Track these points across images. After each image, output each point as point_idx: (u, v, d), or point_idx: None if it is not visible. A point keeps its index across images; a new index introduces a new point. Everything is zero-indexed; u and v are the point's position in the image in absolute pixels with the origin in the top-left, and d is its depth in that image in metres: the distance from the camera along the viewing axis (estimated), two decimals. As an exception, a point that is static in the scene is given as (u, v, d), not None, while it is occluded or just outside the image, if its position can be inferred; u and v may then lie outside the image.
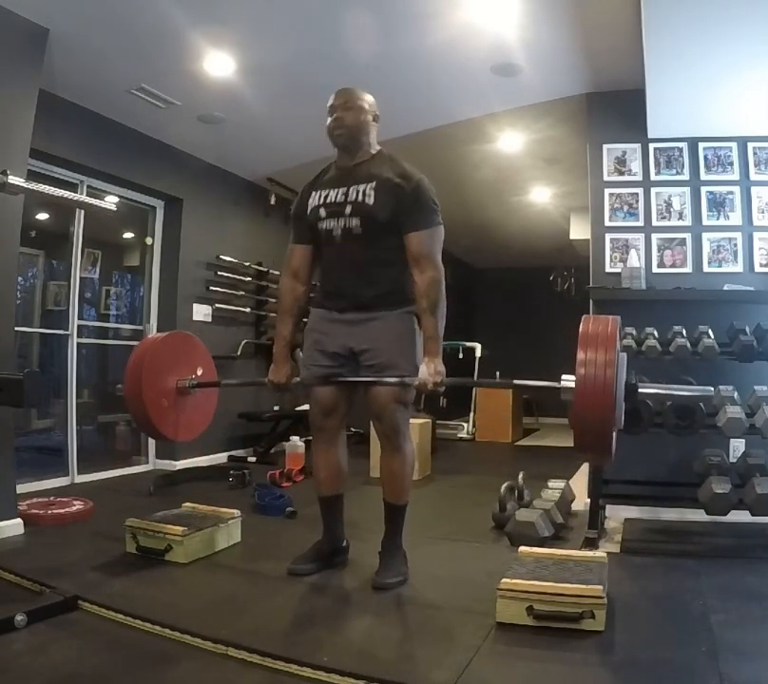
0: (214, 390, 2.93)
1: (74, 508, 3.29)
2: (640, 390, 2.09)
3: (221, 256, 5.41)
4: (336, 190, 2.41)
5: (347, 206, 2.36)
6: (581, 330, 1.99)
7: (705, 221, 3.70)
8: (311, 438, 2.59)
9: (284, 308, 2.57)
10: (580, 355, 1.93)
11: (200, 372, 2.83)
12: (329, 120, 2.43)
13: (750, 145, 3.67)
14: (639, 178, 3.81)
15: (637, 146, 3.82)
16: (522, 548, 2.42)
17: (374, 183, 2.35)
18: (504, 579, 2.05)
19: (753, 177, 3.66)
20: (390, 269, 2.39)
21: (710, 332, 3.15)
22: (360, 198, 2.35)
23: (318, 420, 2.49)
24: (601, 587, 1.99)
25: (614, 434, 1.99)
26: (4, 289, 2.99)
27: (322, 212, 2.42)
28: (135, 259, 5.22)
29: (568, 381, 1.97)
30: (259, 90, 3.94)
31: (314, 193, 2.48)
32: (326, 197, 2.43)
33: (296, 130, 4.57)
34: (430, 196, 2.39)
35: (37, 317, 4.38)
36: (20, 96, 3.06)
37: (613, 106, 3.85)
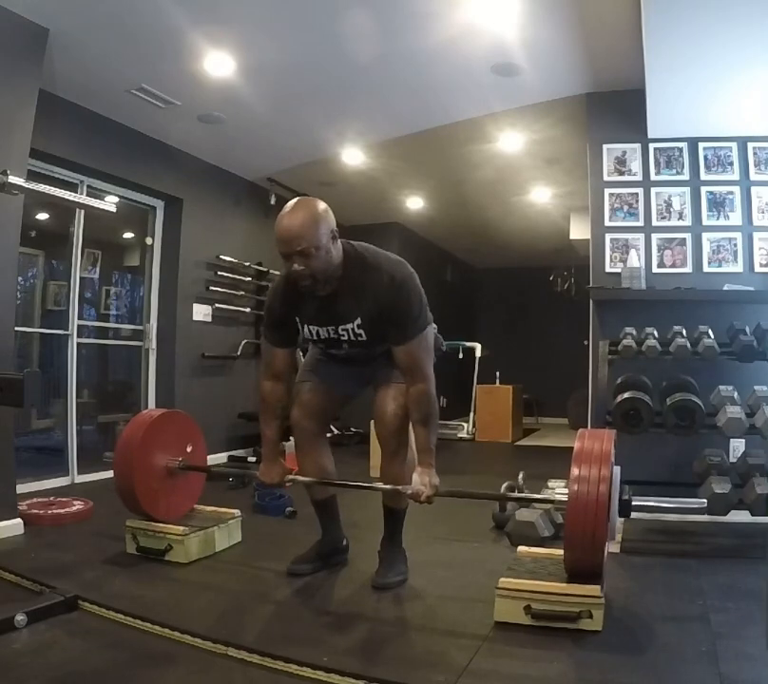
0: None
1: (74, 508, 3.29)
2: (634, 504, 2.14)
3: (221, 256, 5.41)
4: (323, 329, 2.30)
5: (343, 343, 2.32)
6: (576, 445, 2.05)
7: (705, 221, 3.70)
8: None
9: (268, 410, 2.44)
10: (574, 471, 1.98)
11: (189, 450, 2.85)
12: (287, 265, 2.13)
13: (750, 145, 3.67)
14: (639, 178, 3.81)
15: (637, 146, 3.82)
16: (521, 548, 2.42)
17: (359, 320, 2.23)
18: (502, 579, 2.05)
19: (753, 177, 3.66)
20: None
21: (710, 332, 3.15)
22: (353, 337, 2.28)
23: (298, 419, 2.48)
24: (599, 587, 1.99)
25: (606, 551, 2.04)
26: (4, 289, 2.99)
27: (321, 344, 2.39)
28: (135, 259, 5.22)
29: (562, 494, 2.04)
30: (259, 90, 3.94)
31: (299, 321, 2.32)
32: (318, 333, 2.32)
33: (296, 130, 4.58)
34: (412, 302, 2.20)
35: (37, 317, 4.38)
36: (20, 96, 3.06)
37: (613, 106, 3.85)
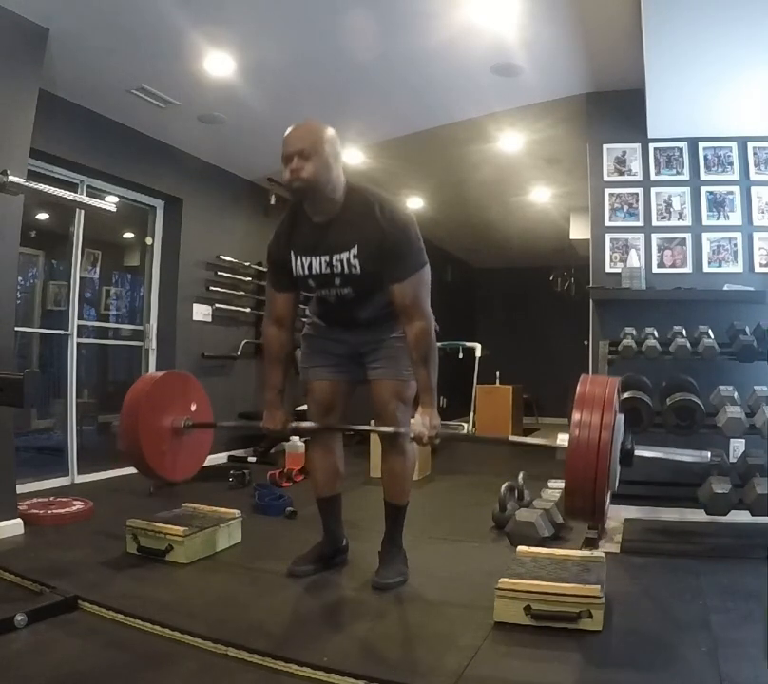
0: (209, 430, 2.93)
1: (74, 508, 3.29)
2: (636, 453, 2.08)
3: (221, 256, 5.41)
4: (317, 259, 2.26)
5: (335, 278, 2.26)
6: (578, 390, 1.96)
7: (705, 221, 3.71)
8: (309, 438, 2.59)
9: (272, 356, 2.46)
10: (575, 416, 1.89)
11: (194, 409, 2.82)
12: (284, 169, 2.17)
13: (750, 145, 3.68)
14: (639, 178, 3.81)
15: (637, 146, 3.82)
16: (520, 548, 2.42)
17: (356, 249, 2.20)
18: (502, 579, 2.05)
19: (753, 177, 3.67)
20: (382, 303, 2.33)
21: (710, 332, 3.16)
22: (346, 269, 2.23)
23: (317, 419, 2.50)
24: (598, 587, 1.99)
25: (608, 497, 1.98)
26: (4, 289, 2.99)
27: (311, 282, 2.31)
28: (135, 259, 5.22)
29: (564, 441, 1.95)
30: (259, 90, 3.94)
31: (293, 254, 2.31)
32: (310, 266, 2.28)
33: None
34: (411, 240, 2.23)
35: (37, 317, 4.38)
36: (20, 96, 3.06)
37: (613, 106, 3.85)
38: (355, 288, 2.28)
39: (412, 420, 2.26)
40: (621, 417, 1.98)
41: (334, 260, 2.24)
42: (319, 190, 2.17)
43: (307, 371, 2.53)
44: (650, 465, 3.34)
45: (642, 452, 2.11)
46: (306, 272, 2.30)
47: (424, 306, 2.25)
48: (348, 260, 2.22)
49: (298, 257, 2.30)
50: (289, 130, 2.19)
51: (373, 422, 2.52)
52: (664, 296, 3.54)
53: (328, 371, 2.47)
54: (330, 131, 2.21)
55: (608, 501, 2.02)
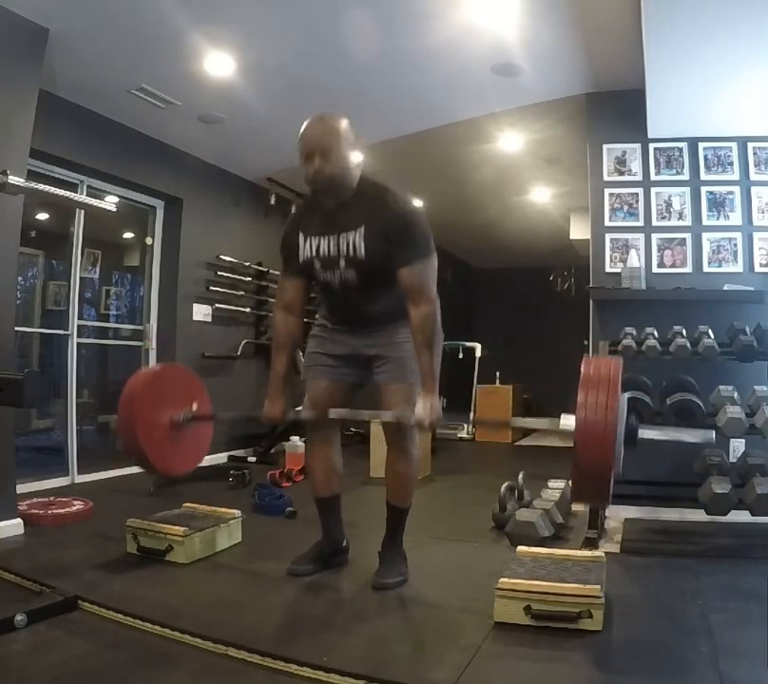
0: (208, 423, 2.92)
1: (74, 508, 3.29)
2: (640, 435, 2.09)
3: (221, 256, 5.41)
4: (325, 239, 2.30)
5: (340, 259, 2.28)
6: (582, 372, 1.97)
7: (705, 221, 3.70)
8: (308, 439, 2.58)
9: (279, 342, 2.47)
10: (580, 397, 1.91)
11: (194, 406, 2.80)
12: (306, 167, 2.23)
13: (750, 145, 3.67)
14: (639, 178, 3.81)
15: (637, 146, 3.82)
16: (520, 548, 2.42)
17: (363, 229, 2.24)
18: (502, 579, 2.05)
19: (753, 177, 3.67)
20: (389, 294, 2.33)
21: (710, 332, 3.16)
22: (351, 251, 2.25)
23: (313, 421, 2.49)
24: (598, 587, 1.99)
25: (613, 480, 1.98)
26: (4, 289, 2.99)
27: (317, 264, 2.34)
28: (135, 259, 5.22)
29: (568, 422, 1.96)
30: (259, 90, 3.94)
31: (302, 237, 2.36)
32: (318, 248, 2.32)
33: (296, 130, 4.55)
34: (420, 227, 2.28)
35: (37, 317, 4.38)
36: (20, 96, 3.06)
37: (613, 106, 3.85)
38: (358, 272, 2.29)
39: (417, 403, 2.24)
40: (624, 397, 1.99)
41: (340, 240, 2.28)
42: (339, 183, 2.25)
43: (308, 371, 2.52)
44: (650, 465, 3.35)
45: (645, 433, 2.11)
46: (313, 253, 2.34)
47: (430, 291, 2.27)
48: (354, 241, 2.26)
49: (308, 239, 2.35)
50: (306, 126, 2.26)
51: (381, 424, 2.52)
52: (664, 296, 3.54)
53: (328, 372, 2.47)
54: (345, 123, 2.30)
55: (613, 482, 2.01)
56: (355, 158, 2.31)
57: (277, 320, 2.50)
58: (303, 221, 2.39)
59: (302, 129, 2.25)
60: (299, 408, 2.50)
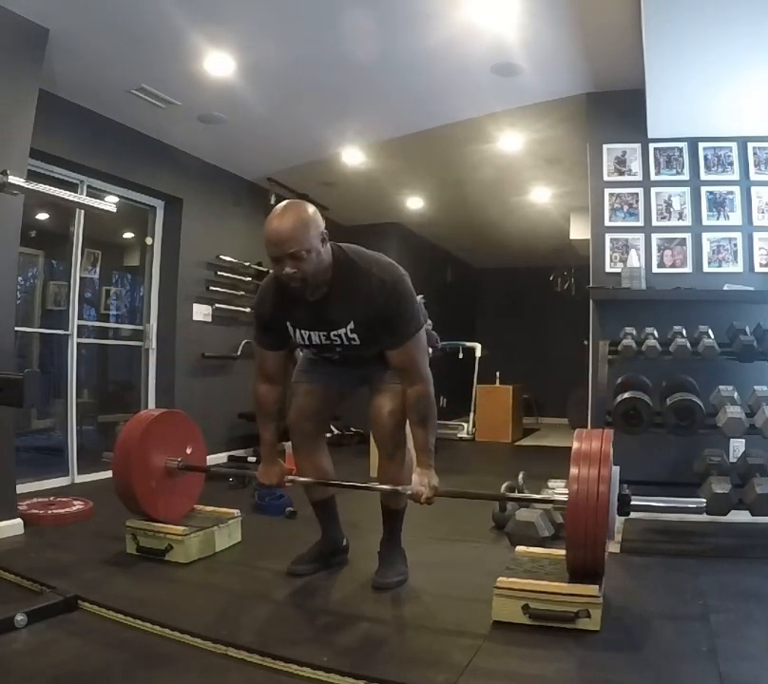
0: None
1: (74, 508, 3.29)
2: (632, 503, 2.14)
3: (221, 256, 5.41)
4: (316, 333, 2.26)
5: (336, 348, 2.28)
6: (574, 446, 2.06)
7: (705, 221, 3.70)
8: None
9: (264, 413, 2.43)
10: (573, 471, 1.99)
11: (189, 451, 2.84)
12: (276, 269, 2.11)
13: (750, 145, 3.67)
14: (639, 178, 3.81)
15: (637, 146, 3.82)
16: (519, 548, 2.42)
17: (352, 324, 2.19)
18: (500, 579, 2.05)
19: (753, 177, 3.66)
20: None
21: (710, 332, 3.15)
22: (346, 341, 2.24)
23: (295, 421, 2.49)
24: (596, 587, 1.99)
25: (607, 549, 2.04)
26: (4, 289, 2.99)
27: (313, 349, 2.37)
28: (135, 259, 5.22)
29: (561, 494, 2.05)
30: (259, 90, 3.94)
31: (291, 326, 2.28)
32: (310, 339, 2.28)
33: (296, 130, 4.58)
34: (405, 304, 2.18)
35: (37, 317, 4.38)
36: (20, 96, 3.06)
37: (613, 106, 3.85)
38: (357, 351, 2.30)
39: (413, 476, 2.26)
40: (616, 469, 2.06)
41: (332, 335, 2.25)
42: (316, 280, 2.13)
43: (298, 374, 2.53)
44: (650, 465, 3.36)
45: (638, 501, 2.19)
46: (306, 342, 2.32)
47: (422, 369, 2.25)
48: (346, 335, 2.23)
49: (297, 330, 2.29)
50: (271, 228, 2.06)
51: (371, 437, 2.51)
52: (664, 296, 3.53)
53: (317, 377, 2.48)
54: (310, 214, 2.09)
55: (608, 550, 2.08)
56: (327, 247, 2.14)
57: (260, 392, 2.40)
58: (285, 310, 2.26)
59: (267, 228, 2.07)
60: (294, 477, 2.50)
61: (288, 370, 2.47)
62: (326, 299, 2.19)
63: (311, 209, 2.12)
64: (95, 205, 2.87)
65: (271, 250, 2.07)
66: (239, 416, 5.42)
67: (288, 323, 2.29)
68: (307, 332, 2.28)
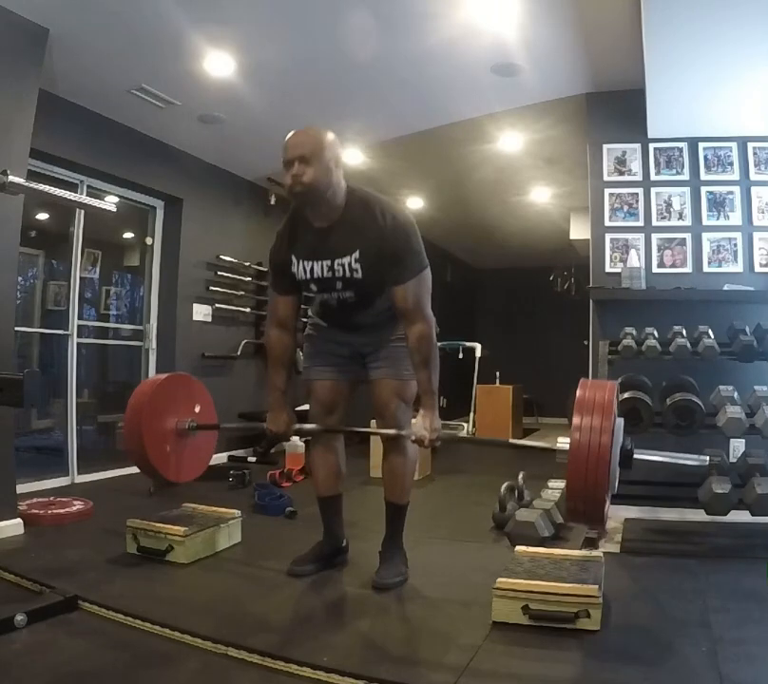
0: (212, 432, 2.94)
1: (74, 508, 3.29)
2: (635, 456, 2.10)
3: (221, 256, 5.41)
4: (319, 263, 2.27)
5: (337, 282, 2.27)
6: (577, 395, 1.99)
7: (705, 221, 3.70)
8: (310, 438, 2.59)
9: (275, 359, 2.47)
10: (575, 420, 1.92)
11: (198, 410, 2.83)
12: (285, 176, 2.19)
13: (750, 145, 3.67)
14: (639, 178, 3.81)
15: (637, 146, 3.82)
16: (518, 548, 2.42)
17: (357, 253, 2.21)
18: (500, 579, 2.05)
19: (753, 177, 3.67)
20: (384, 307, 2.34)
21: (710, 332, 3.15)
22: (348, 273, 2.24)
23: (320, 419, 2.50)
24: (596, 587, 1.99)
25: (609, 500, 1.99)
26: (4, 289, 2.99)
27: (313, 286, 2.33)
28: (135, 259, 5.22)
29: (564, 444, 1.97)
30: (259, 90, 3.94)
31: (295, 259, 2.32)
32: (312, 271, 2.29)
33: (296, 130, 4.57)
34: (412, 242, 2.23)
35: (37, 317, 4.38)
36: (20, 96, 3.06)
37: (613, 106, 3.85)
38: (356, 292, 2.29)
39: (413, 421, 2.27)
40: (620, 421, 2.00)
41: (335, 265, 2.25)
42: (321, 195, 2.18)
43: (309, 371, 2.53)
44: (650, 465, 3.36)
45: (641, 455, 2.13)
46: (308, 276, 2.31)
47: (425, 309, 2.26)
48: (349, 265, 2.23)
49: (300, 261, 2.31)
50: (289, 136, 2.20)
51: (373, 423, 2.53)
52: (664, 296, 3.53)
53: (330, 371, 2.48)
54: (330, 136, 2.21)
55: (609, 502, 2.03)
56: (341, 174, 2.23)
57: (271, 337, 2.46)
58: (293, 242, 2.33)
59: (285, 139, 2.20)
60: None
61: (298, 317, 2.48)
62: (334, 228, 2.24)
63: (332, 135, 2.23)
64: (95, 205, 2.87)
65: (284, 155, 2.18)
66: (239, 416, 5.42)
67: (293, 257, 2.31)
68: (310, 263, 2.29)
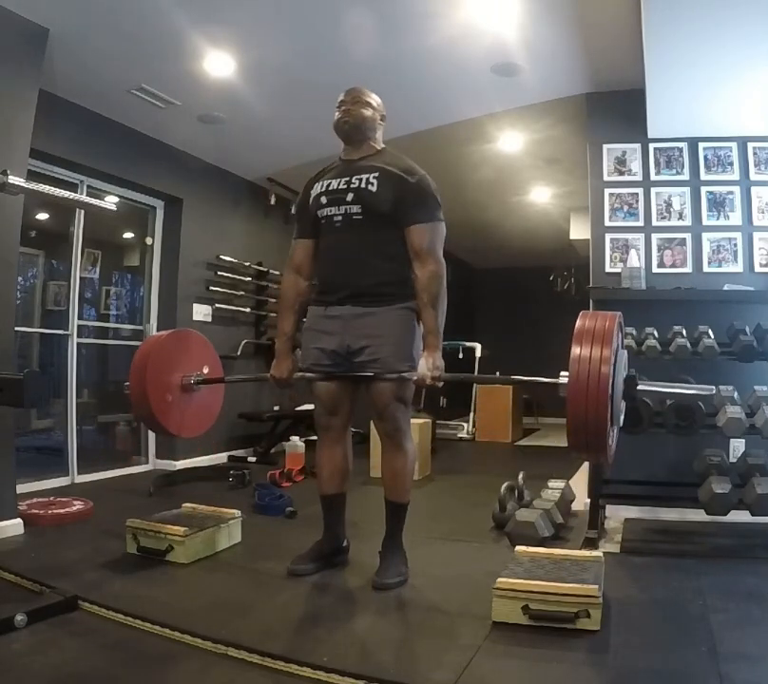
0: (220, 389, 2.92)
1: (74, 508, 3.29)
2: (639, 387, 2.04)
3: (221, 256, 5.41)
4: (338, 179, 2.43)
5: (349, 193, 2.38)
6: (577, 325, 1.92)
7: (705, 221, 3.70)
8: (313, 437, 2.59)
9: (287, 303, 2.57)
10: (574, 351, 1.86)
11: (206, 370, 2.82)
12: (337, 114, 2.48)
13: (750, 145, 3.67)
14: (639, 178, 3.81)
15: (637, 146, 3.82)
16: (518, 548, 2.42)
17: (378, 174, 2.38)
18: (500, 579, 2.05)
19: (753, 177, 3.66)
20: (390, 263, 2.37)
21: (710, 332, 3.15)
22: (363, 185, 2.36)
23: (324, 420, 2.50)
24: (596, 587, 1.99)
25: (613, 433, 1.95)
26: (4, 289, 2.99)
27: (324, 199, 2.44)
28: (135, 259, 5.22)
29: (566, 377, 1.90)
30: (259, 90, 3.94)
31: (317, 184, 2.51)
32: (328, 185, 2.44)
33: (296, 130, 4.57)
34: (432, 192, 2.39)
35: (37, 317, 4.38)
36: (20, 96, 3.06)
37: (613, 106, 3.85)
38: (364, 208, 2.36)
39: (420, 360, 2.29)
40: (624, 352, 1.97)
41: (353, 179, 2.40)
42: (363, 132, 2.45)
43: (310, 370, 2.52)
44: (650, 465, 3.36)
45: (645, 387, 2.08)
46: (322, 189, 2.46)
47: (437, 253, 2.36)
48: (367, 179, 2.37)
49: (321, 181, 2.49)
50: (350, 87, 2.54)
51: (372, 424, 2.53)
52: (664, 296, 3.53)
53: (330, 371, 2.46)
54: (379, 100, 2.55)
55: (614, 436, 1.97)
56: (381, 132, 2.55)
57: (286, 282, 2.59)
58: (323, 173, 2.53)
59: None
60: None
61: (314, 262, 2.55)
62: (364, 158, 2.46)
63: (380, 99, 2.57)
64: (95, 205, 2.88)
65: (341, 99, 2.50)
66: (239, 416, 5.42)
67: (317, 183, 2.50)
68: (329, 181, 2.45)
